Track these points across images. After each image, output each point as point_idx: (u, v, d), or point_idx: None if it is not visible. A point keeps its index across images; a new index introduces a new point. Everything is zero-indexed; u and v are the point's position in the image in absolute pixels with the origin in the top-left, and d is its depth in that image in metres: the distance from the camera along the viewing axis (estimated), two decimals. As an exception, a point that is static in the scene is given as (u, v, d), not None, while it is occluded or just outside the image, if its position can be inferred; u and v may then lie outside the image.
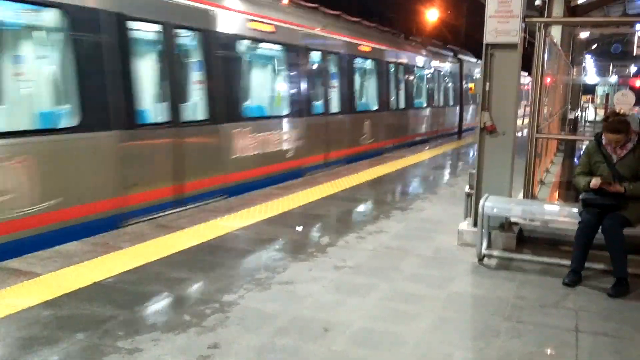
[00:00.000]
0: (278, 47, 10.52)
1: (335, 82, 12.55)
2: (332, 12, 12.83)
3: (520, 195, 6.29)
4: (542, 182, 8.85)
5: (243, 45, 9.42)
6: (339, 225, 6.87)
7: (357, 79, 13.85)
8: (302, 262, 5.26)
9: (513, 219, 5.91)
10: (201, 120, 8.21)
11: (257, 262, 5.24)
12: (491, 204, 5.44)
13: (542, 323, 4.07)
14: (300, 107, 11.07)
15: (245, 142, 9.14)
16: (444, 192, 9.03)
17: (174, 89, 7.70)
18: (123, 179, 6.81)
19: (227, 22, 8.71)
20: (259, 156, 9.47)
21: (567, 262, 5.01)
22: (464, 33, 33.12)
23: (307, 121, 11.22)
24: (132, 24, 6.95)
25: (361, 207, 7.92)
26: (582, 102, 25.29)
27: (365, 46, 13.65)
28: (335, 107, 12.42)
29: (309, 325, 3.92)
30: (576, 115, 19.28)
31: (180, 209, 7.41)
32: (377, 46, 14.35)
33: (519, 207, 5.69)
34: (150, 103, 7.69)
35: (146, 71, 7.65)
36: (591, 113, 28.00)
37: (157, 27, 7.43)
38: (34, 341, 3.55)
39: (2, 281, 4.51)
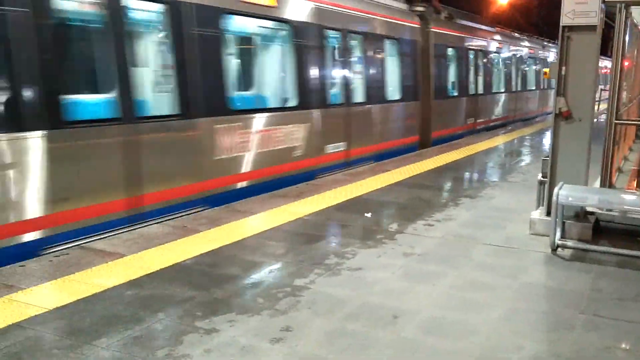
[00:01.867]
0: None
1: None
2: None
3: (597, 183, 6.08)
4: (620, 170, 8.50)
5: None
6: (407, 212, 6.87)
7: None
8: (371, 249, 5.31)
9: (589, 209, 5.73)
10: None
11: (327, 248, 5.34)
12: (566, 193, 5.29)
13: (620, 317, 3.95)
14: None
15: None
16: (515, 180, 8.83)
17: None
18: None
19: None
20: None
21: (647, 255, 4.83)
22: (537, 15, 31.91)
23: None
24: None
25: (429, 194, 7.86)
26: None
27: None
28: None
29: (378, 311, 3.98)
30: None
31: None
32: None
33: (596, 196, 5.50)
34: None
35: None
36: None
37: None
38: (118, 319, 3.78)
39: (89, 262, 4.80)
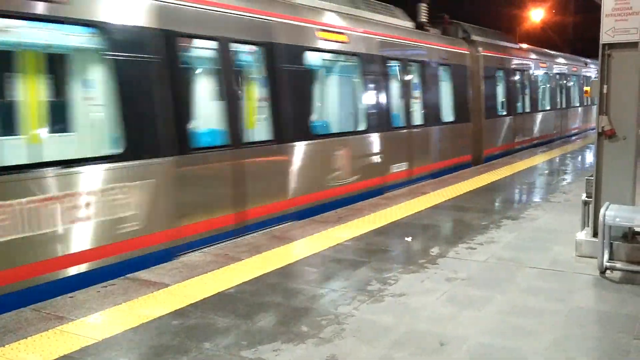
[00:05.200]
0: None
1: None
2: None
3: (645, 203, 5.92)
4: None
5: None
6: (448, 235, 6.79)
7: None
8: (414, 274, 5.26)
9: (637, 229, 5.57)
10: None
11: (368, 273, 5.30)
12: (613, 213, 5.16)
13: (677, 342, 3.81)
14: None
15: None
16: (557, 200, 8.67)
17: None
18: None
19: None
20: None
21: (703, 276, 4.66)
22: (572, 32, 31.56)
23: None
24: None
25: (469, 217, 7.77)
26: None
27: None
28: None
29: (425, 338, 3.93)
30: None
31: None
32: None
33: (645, 216, 5.35)
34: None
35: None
36: None
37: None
38: (166, 350, 3.81)
39: (134, 291, 4.88)
